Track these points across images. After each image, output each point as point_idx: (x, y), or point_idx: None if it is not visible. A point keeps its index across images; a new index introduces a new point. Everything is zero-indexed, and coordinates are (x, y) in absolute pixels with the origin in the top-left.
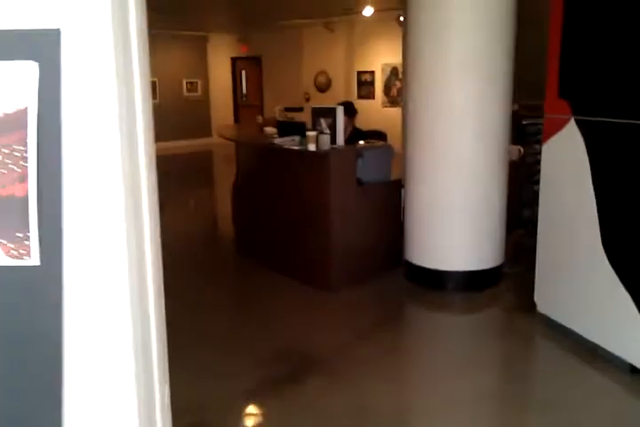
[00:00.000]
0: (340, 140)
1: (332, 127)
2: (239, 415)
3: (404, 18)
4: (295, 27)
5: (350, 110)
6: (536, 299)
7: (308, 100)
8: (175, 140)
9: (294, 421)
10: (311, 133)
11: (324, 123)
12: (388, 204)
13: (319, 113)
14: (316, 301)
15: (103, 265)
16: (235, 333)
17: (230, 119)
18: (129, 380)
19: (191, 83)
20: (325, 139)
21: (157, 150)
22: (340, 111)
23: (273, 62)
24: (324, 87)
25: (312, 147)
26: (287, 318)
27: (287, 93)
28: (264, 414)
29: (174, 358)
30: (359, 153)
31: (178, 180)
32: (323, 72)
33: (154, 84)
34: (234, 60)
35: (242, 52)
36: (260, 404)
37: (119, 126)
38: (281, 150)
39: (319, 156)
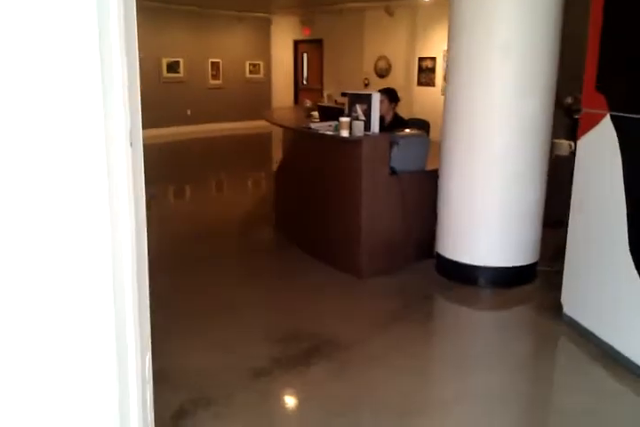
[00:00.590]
0: (375, 127)
1: (368, 114)
2: (241, 393)
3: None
4: (357, 10)
5: (392, 97)
6: (563, 300)
7: (367, 85)
8: (237, 121)
9: (296, 403)
10: (344, 119)
11: (359, 109)
12: (423, 194)
13: (355, 99)
14: (343, 287)
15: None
16: (253, 310)
17: (290, 102)
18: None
19: (254, 64)
20: (359, 125)
21: (219, 131)
22: (375, 98)
23: (334, 46)
24: (383, 73)
25: (345, 133)
26: (310, 300)
27: (347, 78)
28: (266, 394)
29: (187, 330)
30: (394, 141)
31: (235, 160)
32: (383, 57)
33: (217, 66)
34: (296, 43)
35: (304, 34)
36: (264, 383)
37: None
38: (316, 135)
39: (351, 142)
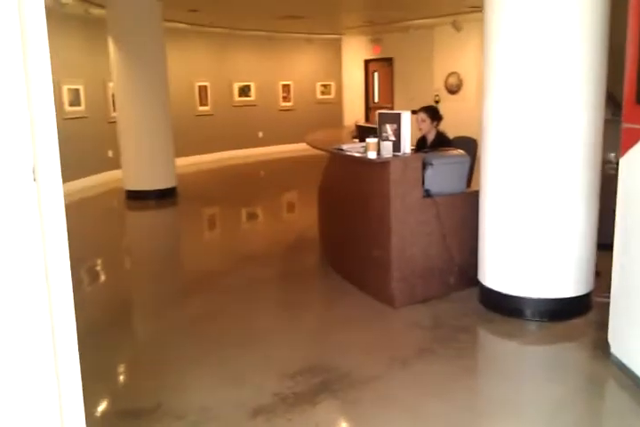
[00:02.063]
0: (406, 147)
1: (398, 134)
2: None
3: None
4: (426, 26)
5: (434, 116)
6: (610, 339)
7: (437, 102)
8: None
9: None
10: (371, 140)
11: (389, 129)
12: (462, 218)
13: (385, 119)
14: (372, 316)
15: None
16: (277, 339)
17: (361, 121)
18: None
19: (324, 85)
20: (387, 146)
21: (290, 152)
22: (405, 117)
23: (404, 63)
24: (454, 89)
25: (372, 155)
26: (336, 331)
27: (418, 95)
28: None
29: (204, 358)
30: (427, 162)
31: (301, 180)
32: (454, 73)
33: (288, 88)
34: (366, 62)
35: (374, 53)
36: (261, 422)
37: None
38: (347, 157)
39: (378, 164)
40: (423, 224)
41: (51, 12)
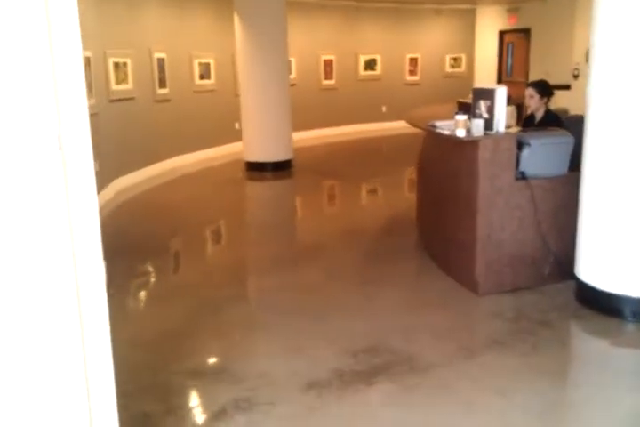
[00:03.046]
0: (500, 126)
1: (492, 111)
2: (284, 404)
3: None
4: None
5: (544, 91)
6: None
7: (576, 76)
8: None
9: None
10: (460, 117)
11: (483, 106)
12: (561, 204)
13: (479, 95)
14: (453, 301)
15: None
16: (348, 316)
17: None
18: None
19: (454, 58)
20: (478, 124)
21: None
22: (500, 93)
23: (542, 35)
24: None
25: (461, 133)
26: (410, 312)
27: (555, 69)
28: (309, 410)
29: (272, 329)
30: (523, 142)
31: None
32: None
33: (415, 61)
34: (501, 33)
35: (510, 23)
36: (313, 397)
37: None
38: (439, 135)
39: (467, 143)
40: (515, 208)
41: None
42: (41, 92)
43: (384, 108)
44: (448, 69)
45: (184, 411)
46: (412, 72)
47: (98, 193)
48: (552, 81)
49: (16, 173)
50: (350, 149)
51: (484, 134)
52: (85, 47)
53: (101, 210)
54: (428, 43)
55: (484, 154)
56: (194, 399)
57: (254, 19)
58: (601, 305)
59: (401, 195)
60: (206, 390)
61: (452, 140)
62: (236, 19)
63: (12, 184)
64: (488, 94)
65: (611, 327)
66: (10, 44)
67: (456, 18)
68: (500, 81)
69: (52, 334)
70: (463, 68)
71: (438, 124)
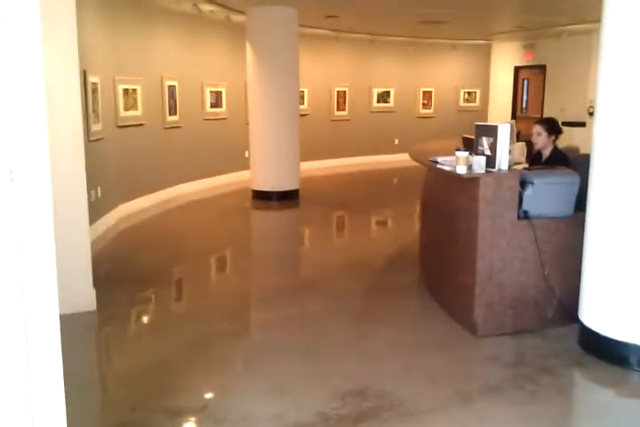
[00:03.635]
0: (502, 163)
1: (494, 148)
2: None
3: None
4: (582, 32)
5: (552, 128)
6: None
7: (591, 114)
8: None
9: None
10: (461, 154)
11: (485, 142)
12: (566, 245)
13: (482, 131)
14: (451, 343)
15: None
16: (340, 355)
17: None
18: None
19: (469, 93)
20: (479, 161)
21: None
22: (502, 130)
23: (558, 71)
24: None
25: (461, 169)
26: (406, 352)
27: (570, 106)
28: None
29: (259, 367)
30: (527, 180)
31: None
32: None
33: (429, 95)
34: (517, 69)
35: (526, 59)
36: None
37: None
38: (440, 171)
39: (468, 180)
40: (517, 249)
41: (193, 19)
42: None
43: (396, 141)
44: (462, 104)
45: None
46: (426, 105)
47: (99, 219)
48: (567, 118)
49: None
50: (360, 180)
51: (486, 172)
52: (94, 73)
53: (102, 236)
54: (443, 76)
55: (484, 192)
56: None
57: (266, 49)
58: (605, 352)
59: (407, 228)
60: None
61: (453, 176)
62: (249, 49)
63: None
64: (491, 131)
65: (615, 376)
66: None
67: (471, 52)
68: (514, 117)
69: None
70: (477, 102)
71: (440, 159)
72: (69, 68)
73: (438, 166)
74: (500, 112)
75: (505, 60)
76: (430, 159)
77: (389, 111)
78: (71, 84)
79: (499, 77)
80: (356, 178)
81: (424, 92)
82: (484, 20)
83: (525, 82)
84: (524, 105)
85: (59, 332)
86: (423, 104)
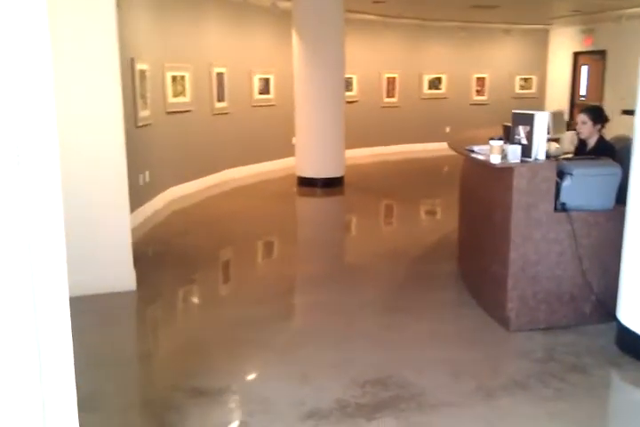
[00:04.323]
0: (539, 153)
1: (531, 137)
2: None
3: None
4: None
5: (597, 118)
6: None
7: None
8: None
9: None
10: (494, 143)
11: (522, 131)
12: (606, 240)
13: (519, 120)
14: (481, 336)
15: None
16: (365, 344)
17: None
18: None
19: (525, 79)
20: (514, 150)
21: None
22: (539, 119)
23: (619, 57)
24: None
25: (495, 159)
26: (432, 343)
27: (632, 93)
28: None
29: (287, 353)
30: (565, 171)
31: None
32: None
33: (482, 81)
34: (575, 55)
35: (585, 45)
36: (310, 425)
37: None
38: (474, 160)
39: (501, 169)
40: (553, 242)
41: (240, 6)
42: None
43: (448, 129)
44: (518, 90)
45: None
46: (480, 92)
47: (147, 202)
48: (626, 106)
49: None
50: (408, 168)
51: (521, 161)
52: (142, 60)
53: (150, 219)
54: (497, 62)
55: (519, 182)
56: (188, 418)
57: (311, 35)
58: None
59: (450, 218)
60: (203, 411)
61: (487, 166)
62: (295, 35)
63: None
64: (527, 120)
65: None
66: None
67: (528, 38)
68: (572, 104)
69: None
70: (534, 89)
71: (477, 148)
72: (109, 56)
73: (473, 155)
74: (557, 99)
75: (563, 45)
76: (467, 148)
77: (441, 98)
78: (111, 71)
79: (556, 63)
80: (404, 166)
81: (477, 79)
82: (539, 5)
83: (584, 68)
84: (582, 92)
85: (68, 313)
86: (476, 91)
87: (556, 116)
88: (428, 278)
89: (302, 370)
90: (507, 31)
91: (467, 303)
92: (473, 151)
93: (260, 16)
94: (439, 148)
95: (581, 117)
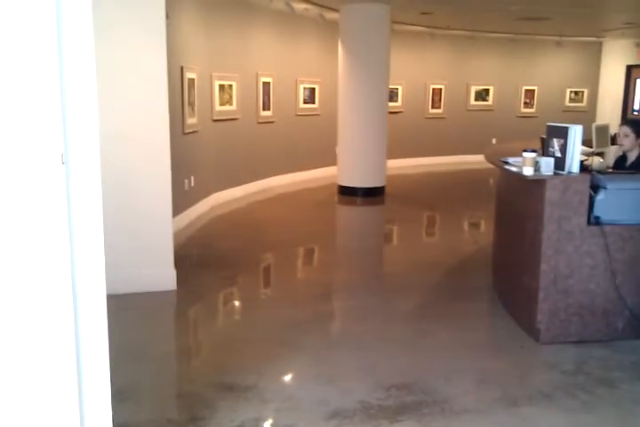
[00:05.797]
0: (573, 166)
1: (564, 150)
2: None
3: None
4: None
5: (638, 129)
6: None
7: None
8: None
9: None
10: (528, 155)
11: (556, 144)
12: None
13: (553, 132)
14: (510, 347)
15: None
16: (393, 349)
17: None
18: None
19: (575, 92)
20: (547, 163)
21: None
22: (573, 131)
23: None
24: None
25: (527, 171)
26: (461, 352)
27: None
28: None
29: (318, 354)
30: (601, 185)
31: None
32: None
33: (531, 93)
34: (629, 68)
35: (639, 58)
36: (334, 425)
37: None
38: (508, 172)
39: (535, 182)
40: (586, 255)
41: (288, 17)
42: (47, 108)
43: (494, 140)
44: (568, 103)
45: (204, 422)
46: (528, 104)
47: (192, 206)
48: None
49: (19, 186)
50: (451, 179)
51: (554, 174)
52: (191, 69)
53: (193, 222)
54: (547, 74)
55: (551, 194)
56: (217, 413)
57: (357, 46)
58: None
59: (489, 230)
60: (232, 406)
61: (520, 177)
62: (340, 46)
63: (14, 197)
64: (562, 132)
65: None
66: (18, 58)
67: (580, 50)
68: (624, 118)
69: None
70: (585, 102)
71: (511, 160)
72: (159, 66)
73: (506, 167)
74: (608, 113)
75: (616, 58)
76: (502, 159)
77: (488, 110)
78: (160, 80)
79: (609, 76)
80: (447, 177)
81: (526, 91)
82: (592, 17)
83: (639, 82)
84: (636, 106)
85: (105, 310)
86: (525, 103)
87: (600, 129)
88: (462, 288)
89: (330, 371)
90: (558, 43)
91: (498, 314)
92: (507, 163)
93: (306, 26)
94: (484, 160)
95: (624, 130)
